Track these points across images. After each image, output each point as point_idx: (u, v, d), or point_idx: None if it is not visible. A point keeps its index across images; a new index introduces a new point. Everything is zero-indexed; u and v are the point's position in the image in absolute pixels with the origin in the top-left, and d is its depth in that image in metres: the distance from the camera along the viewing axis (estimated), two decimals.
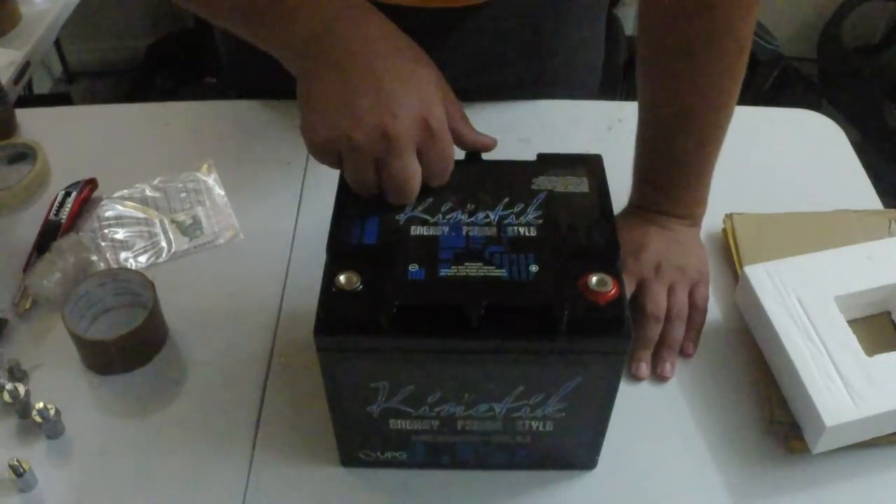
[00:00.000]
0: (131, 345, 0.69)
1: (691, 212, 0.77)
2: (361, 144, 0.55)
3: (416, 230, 0.56)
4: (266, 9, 0.60)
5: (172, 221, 0.84)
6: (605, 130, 0.94)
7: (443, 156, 0.58)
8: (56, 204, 0.83)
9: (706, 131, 0.72)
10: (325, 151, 0.58)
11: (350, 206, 0.58)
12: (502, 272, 0.53)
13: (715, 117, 0.72)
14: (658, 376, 0.71)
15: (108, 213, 0.84)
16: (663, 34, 0.70)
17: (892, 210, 0.82)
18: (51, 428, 0.65)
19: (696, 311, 0.73)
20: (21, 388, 0.66)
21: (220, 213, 0.84)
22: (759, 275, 0.71)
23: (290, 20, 0.59)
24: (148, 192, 0.87)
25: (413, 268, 0.53)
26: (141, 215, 0.84)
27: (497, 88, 0.94)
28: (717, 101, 0.71)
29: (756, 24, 0.68)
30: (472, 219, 0.57)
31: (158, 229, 0.83)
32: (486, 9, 0.85)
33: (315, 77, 0.58)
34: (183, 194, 0.86)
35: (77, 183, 0.85)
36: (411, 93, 0.56)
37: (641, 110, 0.75)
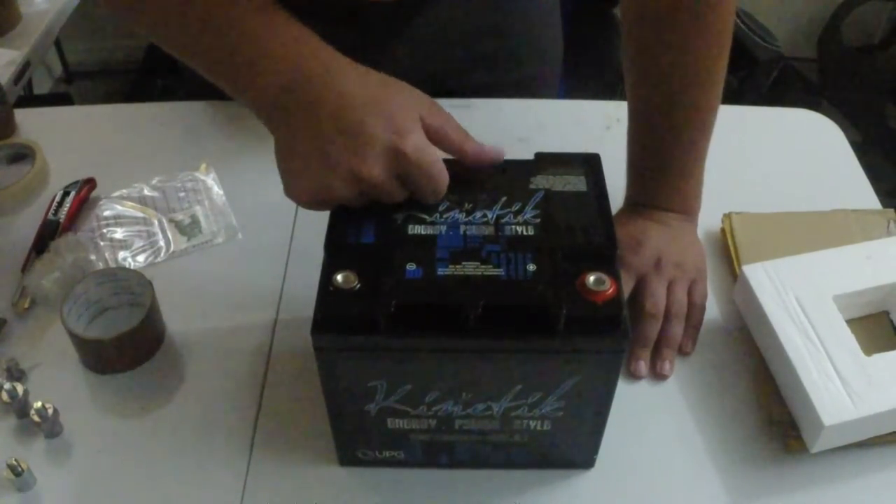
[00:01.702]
0: (129, 344, 0.69)
1: (687, 205, 0.77)
2: (340, 191, 0.56)
3: (414, 229, 0.56)
4: (226, 67, 0.60)
5: (171, 221, 0.84)
6: (604, 130, 0.94)
7: (430, 179, 0.57)
8: (55, 203, 0.83)
9: (693, 119, 0.73)
10: (314, 205, 0.58)
11: (348, 206, 0.58)
12: (500, 271, 0.53)
13: (701, 103, 0.72)
14: (657, 375, 0.70)
15: (107, 213, 0.84)
16: (644, 21, 0.70)
17: (891, 210, 0.82)
18: (49, 427, 0.65)
19: (694, 309, 0.73)
20: (19, 388, 0.66)
21: (218, 213, 0.84)
22: (757, 274, 0.71)
23: (251, 76, 0.58)
24: (146, 192, 0.87)
25: (411, 267, 0.53)
26: (139, 215, 0.84)
27: (458, 72, 0.94)
28: (701, 87, 0.71)
29: (752, 20, 0.69)
30: (470, 218, 0.57)
31: (157, 229, 0.83)
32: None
33: (285, 129, 0.58)
34: (181, 194, 0.86)
35: (76, 183, 0.85)
36: (378, 124, 0.55)
37: (630, 103, 0.75)
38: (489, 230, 0.56)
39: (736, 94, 2.21)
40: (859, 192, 0.88)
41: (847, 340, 0.66)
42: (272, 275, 0.78)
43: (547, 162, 0.62)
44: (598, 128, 0.95)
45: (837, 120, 0.98)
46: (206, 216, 0.84)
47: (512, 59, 0.97)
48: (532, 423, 0.59)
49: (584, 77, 1.41)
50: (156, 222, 0.84)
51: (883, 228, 0.79)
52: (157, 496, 0.63)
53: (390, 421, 0.59)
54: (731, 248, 0.79)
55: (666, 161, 0.75)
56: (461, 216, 0.57)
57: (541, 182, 0.60)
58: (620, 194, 0.78)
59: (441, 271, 0.53)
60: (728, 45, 0.70)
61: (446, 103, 0.93)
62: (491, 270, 0.53)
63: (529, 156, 0.63)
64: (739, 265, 0.76)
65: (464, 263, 0.54)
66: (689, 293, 0.74)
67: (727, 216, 0.81)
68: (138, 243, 0.82)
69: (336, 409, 0.59)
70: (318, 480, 0.64)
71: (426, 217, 0.57)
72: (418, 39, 0.88)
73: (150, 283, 0.71)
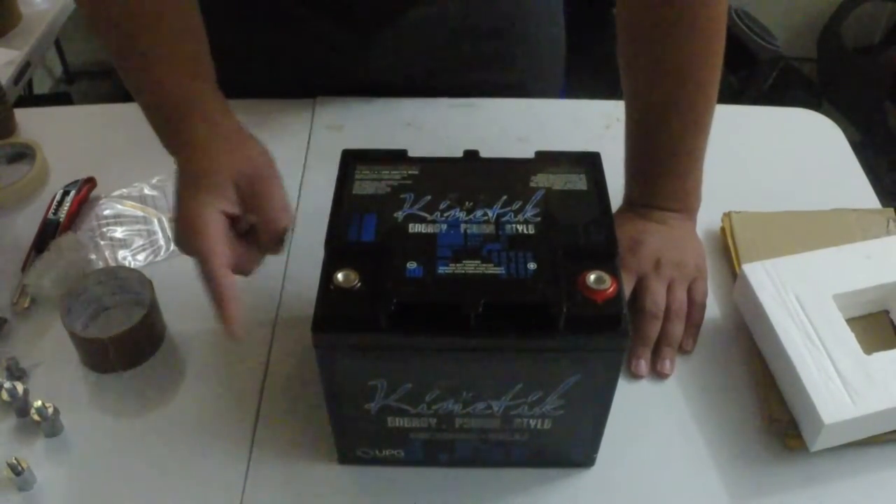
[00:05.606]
0: (129, 343, 0.69)
1: (685, 204, 0.77)
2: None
3: (415, 228, 0.56)
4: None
5: (171, 220, 0.84)
6: (604, 129, 0.94)
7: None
8: (55, 203, 0.83)
9: (689, 118, 0.73)
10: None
11: (348, 204, 0.58)
12: (500, 270, 0.53)
13: (697, 104, 0.72)
14: (657, 373, 0.71)
15: (107, 212, 0.84)
16: (637, 22, 0.71)
17: (891, 209, 0.82)
18: (49, 426, 0.65)
19: (694, 308, 0.73)
20: (20, 387, 0.66)
21: None
22: (757, 273, 0.71)
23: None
24: (146, 191, 0.87)
25: (411, 265, 0.53)
26: (139, 214, 0.84)
27: (451, 70, 0.94)
28: (696, 87, 0.71)
29: (752, 20, 0.69)
30: (471, 216, 0.57)
31: (157, 228, 0.83)
32: None
33: None
34: None
35: (76, 182, 0.85)
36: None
37: (627, 104, 0.75)
38: (490, 229, 0.56)
39: (736, 94, 2.21)
40: (859, 191, 0.88)
41: (847, 339, 0.66)
42: (272, 273, 0.78)
43: (547, 160, 0.62)
44: (598, 127, 0.95)
45: (837, 120, 0.98)
46: None
47: (508, 60, 0.96)
48: (532, 422, 0.59)
49: (584, 77, 1.42)
50: (156, 221, 0.84)
51: (883, 228, 0.79)
52: (157, 495, 0.63)
53: (390, 420, 0.59)
54: (731, 247, 0.79)
55: (663, 162, 0.75)
56: (462, 215, 0.57)
57: (541, 181, 0.60)
58: (621, 193, 0.78)
59: (442, 270, 0.53)
60: (722, 44, 0.70)
61: (447, 102, 0.93)
62: (491, 269, 0.53)
63: (529, 155, 0.63)
64: (739, 264, 0.76)
65: (464, 262, 0.54)
66: (690, 292, 0.74)
67: (727, 215, 0.81)
68: (138, 242, 0.82)
69: (336, 407, 0.59)
70: (318, 479, 0.64)
71: (427, 215, 0.57)
72: (410, 33, 0.88)
73: (150, 282, 0.72)
